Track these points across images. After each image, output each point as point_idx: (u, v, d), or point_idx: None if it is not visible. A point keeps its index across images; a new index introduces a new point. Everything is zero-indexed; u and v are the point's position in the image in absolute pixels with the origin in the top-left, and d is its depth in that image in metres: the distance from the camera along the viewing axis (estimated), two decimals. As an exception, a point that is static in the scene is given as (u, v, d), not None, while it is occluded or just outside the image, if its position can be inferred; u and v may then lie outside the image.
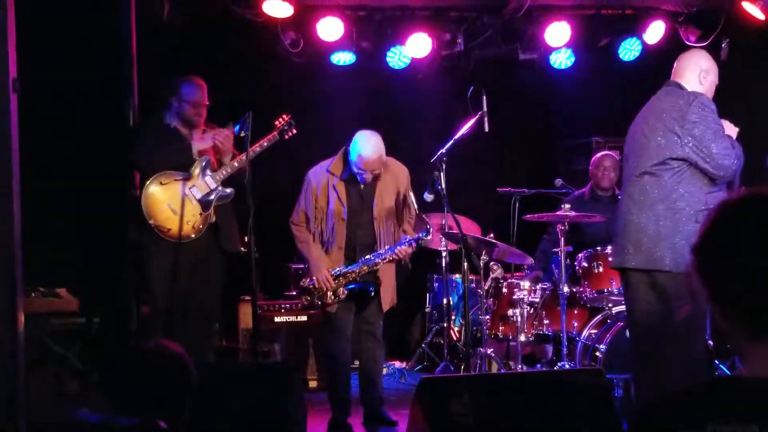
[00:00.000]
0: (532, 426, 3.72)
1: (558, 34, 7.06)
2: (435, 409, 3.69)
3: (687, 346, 4.19)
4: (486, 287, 6.12)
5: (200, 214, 5.13)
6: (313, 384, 6.48)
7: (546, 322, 6.01)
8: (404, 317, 7.49)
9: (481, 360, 5.91)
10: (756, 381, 1.44)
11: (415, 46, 7.02)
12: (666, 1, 7.09)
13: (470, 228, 6.72)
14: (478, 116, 5.34)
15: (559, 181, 6.83)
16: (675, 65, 4.50)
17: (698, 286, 1.51)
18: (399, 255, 5.08)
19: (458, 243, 5.41)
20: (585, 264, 5.88)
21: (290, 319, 6.60)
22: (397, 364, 7.22)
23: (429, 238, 5.12)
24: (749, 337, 1.47)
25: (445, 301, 6.54)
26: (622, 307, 5.75)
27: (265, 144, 5.27)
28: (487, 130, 5.38)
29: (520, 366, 5.90)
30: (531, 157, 8.50)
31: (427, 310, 7.43)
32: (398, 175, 5.20)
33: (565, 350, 5.64)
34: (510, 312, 5.96)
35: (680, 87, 4.36)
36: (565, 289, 5.73)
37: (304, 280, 5.20)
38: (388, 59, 7.20)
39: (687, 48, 6.98)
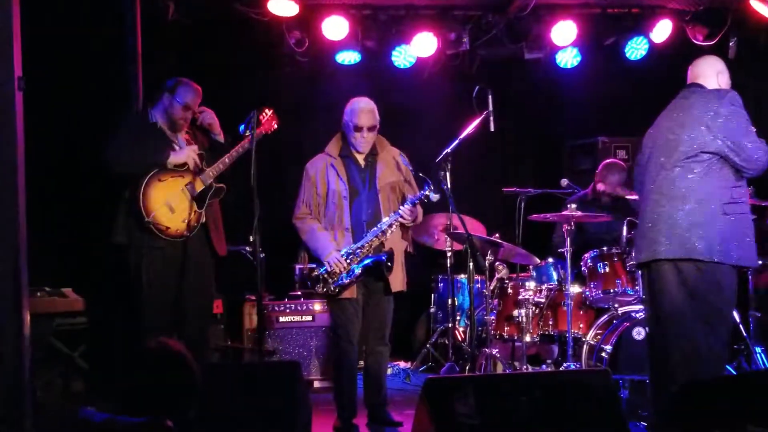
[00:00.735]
0: (538, 427, 3.70)
1: (564, 32, 7.05)
2: (440, 409, 3.67)
3: (712, 338, 4.27)
4: (491, 287, 6.10)
5: (195, 211, 5.10)
6: (317, 384, 6.48)
7: (551, 322, 5.99)
8: (409, 317, 7.48)
9: (486, 360, 5.89)
10: None
11: (421, 46, 7.02)
12: (673, -1, 7.07)
13: (475, 228, 6.70)
14: (483, 116, 5.31)
15: (564, 181, 6.80)
16: (690, 71, 4.60)
17: None
18: (404, 216, 5.04)
19: (463, 243, 5.39)
20: (591, 264, 5.86)
21: (295, 320, 6.59)
22: (402, 364, 7.21)
23: (434, 196, 5.04)
24: None
25: (450, 301, 6.52)
26: (628, 308, 5.74)
27: (255, 141, 5.24)
28: (492, 129, 5.35)
29: (525, 366, 5.88)
30: (537, 156, 8.48)
31: (432, 310, 7.42)
32: (396, 155, 5.26)
33: (570, 351, 5.62)
34: (515, 312, 5.94)
35: (701, 87, 4.47)
36: (571, 289, 5.71)
37: (315, 269, 5.13)
38: (393, 58, 7.19)
39: (694, 47, 7.01)
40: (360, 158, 5.20)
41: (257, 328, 4.93)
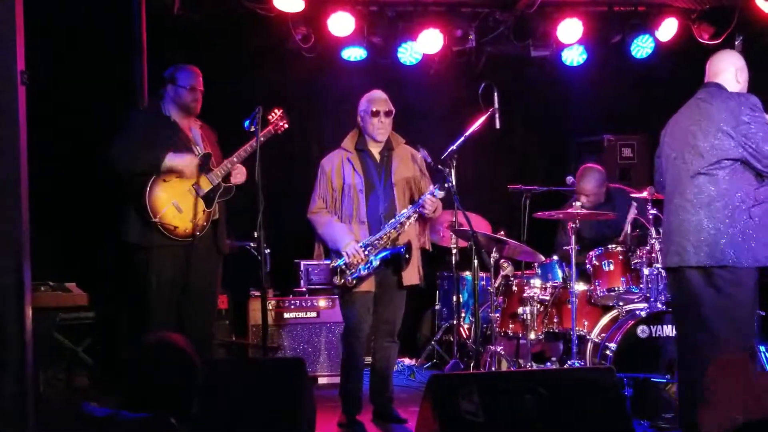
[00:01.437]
0: (542, 424, 3.70)
1: (570, 30, 7.03)
2: (445, 406, 3.67)
3: (741, 341, 4.31)
4: (496, 285, 6.09)
5: (203, 211, 5.09)
6: (323, 380, 6.48)
7: (556, 320, 5.98)
8: (414, 315, 7.47)
9: (491, 358, 5.89)
10: None
11: (427, 42, 7.00)
12: (679, -2, 7.05)
13: (481, 225, 6.69)
14: (489, 113, 5.31)
15: (570, 179, 6.77)
16: (708, 67, 4.60)
17: None
18: (426, 207, 5.03)
19: (468, 240, 5.39)
20: (596, 262, 5.85)
21: (300, 315, 6.60)
22: (407, 361, 7.21)
23: (439, 193, 5.03)
24: None
25: (455, 298, 6.51)
26: (633, 306, 5.73)
27: (262, 139, 5.24)
28: (498, 127, 5.35)
29: (530, 364, 5.87)
30: (542, 154, 8.46)
31: (437, 307, 7.42)
32: (412, 153, 5.28)
33: (575, 348, 5.61)
34: (520, 310, 5.93)
35: (720, 88, 4.47)
36: (576, 287, 5.70)
37: (333, 262, 5.09)
38: (399, 55, 7.18)
39: (700, 46, 6.98)
40: (376, 152, 5.20)
41: (261, 323, 4.91)
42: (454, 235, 6.36)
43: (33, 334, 3.78)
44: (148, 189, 4.92)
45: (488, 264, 5.64)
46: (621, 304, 5.81)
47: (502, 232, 6.15)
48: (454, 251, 6.56)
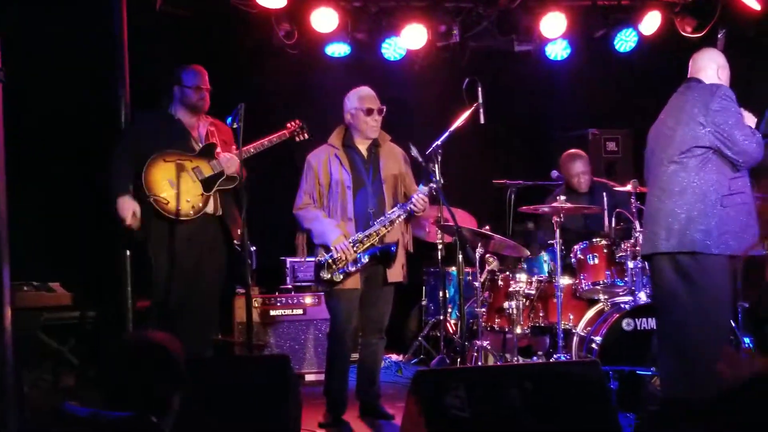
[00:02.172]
0: (528, 418, 3.70)
1: (554, 25, 7.04)
2: (430, 401, 3.67)
3: (713, 331, 4.35)
4: (482, 280, 6.10)
5: (201, 194, 5.13)
6: (310, 377, 6.47)
7: (542, 314, 5.99)
8: (401, 310, 7.46)
9: (477, 352, 5.90)
10: None
11: (411, 38, 7.00)
12: (662, -9, 7.07)
13: (466, 220, 6.69)
14: (473, 108, 5.31)
15: (555, 173, 6.80)
16: (690, 64, 4.68)
17: None
18: (417, 205, 5.04)
19: (454, 236, 5.39)
20: (581, 256, 5.87)
21: (286, 313, 6.59)
22: (394, 357, 7.21)
23: (424, 188, 5.06)
24: None
25: (441, 294, 6.52)
26: (618, 299, 5.76)
27: (274, 140, 5.36)
28: (483, 121, 5.35)
29: (516, 358, 5.88)
30: (527, 148, 8.47)
31: (424, 303, 7.42)
32: (398, 151, 5.28)
33: (561, 342, 5.63)
34: (506, 304, 5.93)
35: (700, 82, 4.55)
36: (561, 281, 5.72)
37: (319, 256, 5.08)
38: (383, 51, 7.18)
39: (683, 39, 7.01)
40: (363, 149, 5.19)
41: (246, 321, 4.90)
42: (439, 231, 6.37)
43: (13, 335, 3.74)
44: (146, 167, 5.03)
45: (473, 259, 5.65)
46: (606, 297, 5.84)
47: (487, 227, 6.16)
48: (439, 247, 6.57)
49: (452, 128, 5.24)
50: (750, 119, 4.51)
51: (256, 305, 6.45)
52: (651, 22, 7.13)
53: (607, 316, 5.60)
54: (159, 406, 2.20)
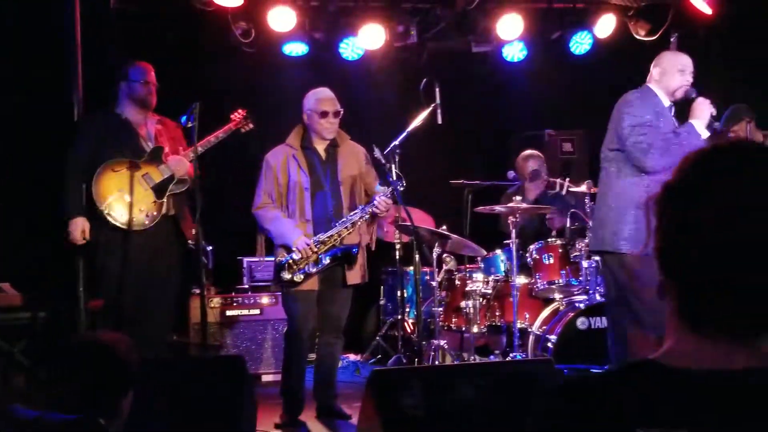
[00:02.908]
0: (484, 417, 3.73)
1: (510, 26, 7.08)
2: (386, 401, 3.68)
3: (634, 325, 4.48)
4: (439, 279, 6.12)
5: (153, 201, 5.06)
6: (268, 378, 6.44)
7: (498, 313, 6.04)
8: (358, 310, 7.46)
9: (434, 352, 5.91)
10: (685, 372, 1.25)
11: (368, 38, 6.98)
12: (616, -6, 7.15)
13: (424, 220, 6.72)
14: (431, 108, 5.33)
15: (511, 174, 6.85)
16: None
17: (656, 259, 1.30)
18: (379, 207, 5.03)
19: (411, 235, 5.40)
20: (536, 256, 5.92)
21: (243, 313, 6.54)
22: (352, 357, 7.20)
23: (380, 188, 5.08)
24: (679, 316, 1.29)
25: (398, 293, 6.53)
26: (573, 298, 5.82)
27: (221, 135, 5.30)
28: (440, 122, 5.37)
29: (473, 357, 5.92)
30: (484, 149, 8.52)
31: (381, 302, 7.41)
32: (358, 150, 5.27)
33: (517, 341, 5.67)
34: (463, 304, 5.97)
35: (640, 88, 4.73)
36: (517, 280, 5.76)
37: (279, 256, 5.05)
38: (341, 50, 7.16)
39: (637, 42, 7.10)
40: (321, 150, 5.16)
41: (201, 321, 4.86)
42: (397, 231, 6.38)
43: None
44: (94, 179, 4.95)
45: (430, 258, 5.67)
46: (561, 296, 5.89)
47: (445, 227, 6.19)
48: (397, 246, 6.59)
49: (410, 128, 5.26)
50: (703, 110, 4.58)
51: (213, 305, 6.40)
52: (605, 25, 7.21)
53: (563, 315, 5.66)
54: (107, 408, 2.17)
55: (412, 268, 6.80)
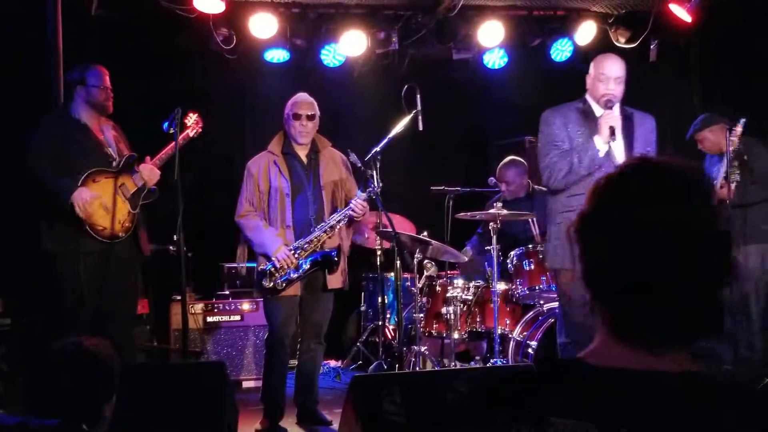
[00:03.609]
0: (465, 422, 3.74)
1: (491, 34, 7.13)
2: (367, 407, 3.68)
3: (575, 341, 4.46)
4: (420, 285, 6.14)
5: (129, 212, 5.02)
6: (248, 384, 6.43)
7: (479, 319, 6.05)
8: (339, 316, 7.47)
9: (415, 358, 5.93)
10: (601, 370, 1.38)
11: (350, 44, 7.02)
12: (596, 2, 7.20)
13: (405, 226, 6.74)
14: (412, 115, 5.34)
15: (492, 180, 6.87)
16: None
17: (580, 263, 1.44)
18: (356, 210, 5.05)
19: (392, 241, 5.42)
20: (517, 262, 5.94)
21: (224, 319, 6.53)
22: (333, 363, 7.20)
23: (362, 194, 5.08)
24: (611, 330, 1.41)
25: (379, 299, 6.54)
26: (553, 304, 5.84)
27: (181, 143, 5.20)
28: (421, 128, 5.38)
29: (453, 363, 5.93)
30: (465, 155, 8.55)
31: (362, 308, 7.43)
32: (338, 157, 5.29)
33: (498, 347, 5.69)
34: (444, 310, 5.98)
35: None
36: (498, 286, 5.78)
37: (261, 264, 5.06)
38: (322, 57, 7.18)
39: (617, 49, 7.15)
40: (302, 155, 5.18)
41: (182, 327, 4.85)
42: (378, 237, 6.39)
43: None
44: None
45: (411, 264, 5.69)
46: (542, 302, 5.92)
47: (426, 233, 6.20)
48: (378, 252, 6.60)
49: (391, 135, 5.27)
50: (605, 124, 4.37)
51: (193, 311, 6.39)
52: (586, 32, 7.26)
53: (543, 320, 5.69)
54: (91, 414, 2.17)
55: (393, 274, 6.82)
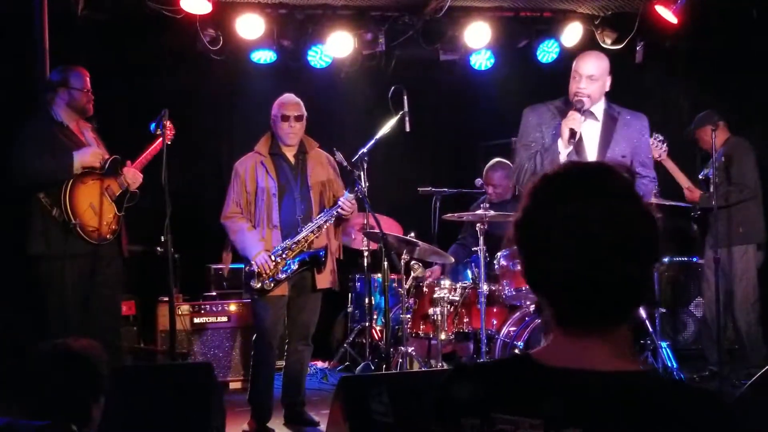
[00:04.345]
0: (426, 418, 3.74)
1: (478, 35, 7.14)
2: (354, 407, 3.69)
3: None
4: (407, 286, 6.14)
5: (115, 214, 5.03)
6: (236, 385, 6.41)
7: (466, 320, 6.06)
8: (326, 317, 7.46)
9: (402, 359, 5.93)
10: (549, 369, 1.46)
11: (337, 45, 7.02)
12: (582, 4, 7.23)
13: (392, 227, 6.74)
14: (399, 116, 5.36)
15: (479, 181, 6.89)
16: None
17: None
18: (344, 209, 5.05)
19: (379, 242, 5.42)
20: (503, 263, 5.96)
21: (210, 320, 6.52)
22: (320, 364, 7.21)
23: (349, 195, 5.08)
24: (554, 321, 1.51)
25: (366, 300, 6.54)
26: (540, 305, 5.86)
27: (159, 148, 5.20)
28: (408, 130, 5.41)
29: (440, 364, 5.93)
30: (452, 157, 8.57)
31: (350, 309, 7.42)
32: (326, 158, 5.28)
33: (484, 348, 5.70)
34: (431, 311, 5.99)
35: None
36: (485, 287, 5.79)
37: (248, 266, 5.06)
38: (309, 58, 7.18)
39: (604, 50, 7.18)
40: (290, 156, 5.18)
41: (170, 329, 4.85)
42: (365, 238, 6.40)
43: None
44: (68, 191, 4.87)
45: (398, 265, 5.70)
46: (528, 303, 5.93)
47: (413, 234, 6.21)
48: (365, 253, 6.60)
49: (378, 136, 5.29)
50: (562, 127, 4.31)
51: (179, 313, 6.37)
52: (572, 33, 7.29)
53: (530, 321, 5.70)
54: (79, 415, 2.17)
55: (380, 275, 6.82)
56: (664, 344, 5.91)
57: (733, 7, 6.85)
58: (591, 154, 4.35)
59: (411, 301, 6.18)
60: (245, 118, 7.21)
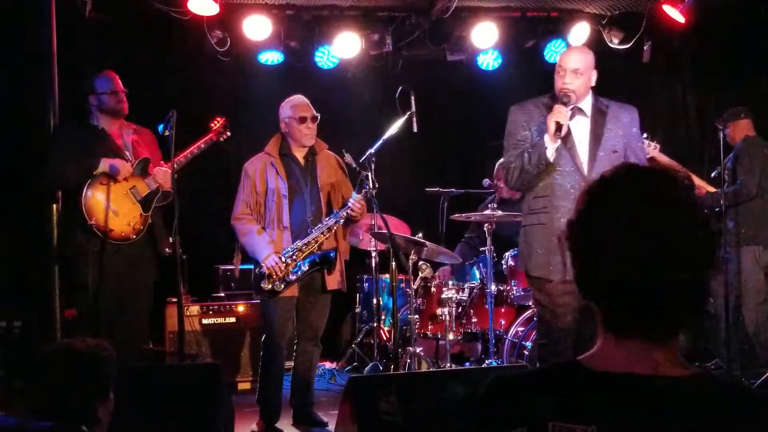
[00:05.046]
0: (461, 423, 3.74)
1: (485, 35, 7.14)
2: (363, 408, 3.69)
3: (550, 354, 4.29)
4: (415, 287, 6.14)
5: (140, 215, 5.06)
6: (245, 386, 6.42)
7: (474, 320, 6.07)
8: (334, 318, 7.46)
9: (410, 359, 5.94)
10: (600, 374, 1.44)
11: (344, 46, 7.02)
12: (590, 3, 7.22)
13: (399, 228, 6.74)
14: (406, 116, 5.36)
15: (486, 182, 6.89)
16: None
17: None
18: (354, 210, 5.04)
19: (387, 243, 5.43)
20: (512, 263, 5.96)
21: (219, 321, 6.53)
22: (328, 364, 7.21)
23: (356, 195, 5.06)
24: (604, 327, 1.49)
25: (374, 301, 6.55)
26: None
27: (202, 146, 5.29)
28: (415, 130, 5.40)
29: (449, 364, 5.94)
30: (459, 157, 8.56)
31: (358, 310, 7.43)
32: (335, 159, 5.28)
33: (492, 348, 5.70)
34: (439, 311, 6.00)
35: None
36: (493, 287, 5.79)
37: (258, 267, 5.06)
38: (316, 59, 7.18)
39: (611, 50, 7.19)
40: (300, 157, 5.18)
41: (178, 330, 4.86)
42: (373, 238, 6.40)
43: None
44: (84, 192, 4.91)
45: (406, 266, 5.70)
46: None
47: (420, 235, 6.22)
48: (373, 254, 6.60)
49: (385, 136, 5.29)
50: (547, 122, 4.21)
51: (189, 314, 6.38)
52: (579, 33, 7.27)
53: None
54: (86, 415, 2.17)
55: (388, 275, 6.83)
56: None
57: (740, 6, 6.84)
58: (582, 150, 4.29)
59: (419, 301, 6.18)
60: (253, 119, 7.21)
